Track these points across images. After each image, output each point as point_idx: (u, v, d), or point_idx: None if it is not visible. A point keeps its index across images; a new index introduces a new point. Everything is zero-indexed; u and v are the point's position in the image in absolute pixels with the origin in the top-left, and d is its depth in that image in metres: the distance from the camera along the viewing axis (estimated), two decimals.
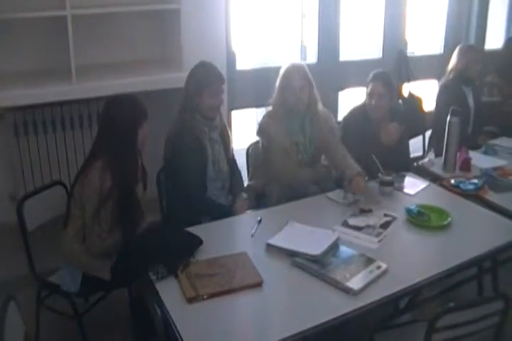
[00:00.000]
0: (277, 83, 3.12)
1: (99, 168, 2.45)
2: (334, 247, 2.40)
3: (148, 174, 3.04)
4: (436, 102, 4.14)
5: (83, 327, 2.66)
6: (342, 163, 3.08)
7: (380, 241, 2.51)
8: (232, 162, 3.18)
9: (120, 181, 2.46)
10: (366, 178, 3.00)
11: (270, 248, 2.44)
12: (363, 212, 2.77)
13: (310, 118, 3.15)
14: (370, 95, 3.37)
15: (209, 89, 2.85)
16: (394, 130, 3.34)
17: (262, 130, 3.16)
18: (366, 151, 3.12)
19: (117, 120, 2.53)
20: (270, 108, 3.20)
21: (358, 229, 2.61)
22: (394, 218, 2.71)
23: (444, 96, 4.04)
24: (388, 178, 2.97)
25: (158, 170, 3.06)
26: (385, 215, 2.74)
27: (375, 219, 2.69)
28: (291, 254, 2.35)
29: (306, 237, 2.47)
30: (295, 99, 3.05)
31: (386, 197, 2.95)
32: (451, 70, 4.11)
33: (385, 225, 2.65)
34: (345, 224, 2.65)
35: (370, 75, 3.40)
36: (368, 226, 2.62)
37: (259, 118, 3.25)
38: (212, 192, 3.00)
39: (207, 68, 2.92)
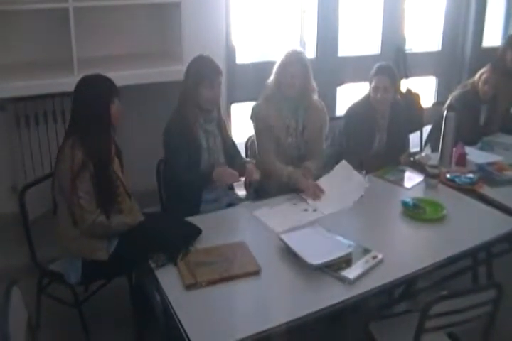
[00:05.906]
0: (276, 65, 3.15)
1: (69, 146, 2.47)
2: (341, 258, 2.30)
3: (149, 165, 3.10)
4: (450, 103, 3.86)
5: (83, 315, 2.70)
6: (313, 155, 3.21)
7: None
8: (231, 145, 3.19)
9: (93, 156, 2.46)
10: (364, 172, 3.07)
11: (271, 239, 2.47)
12: None
13: (304, 106, 3.18)
14: (375, 89, 3.32)
15: (206, 81, 2.89)
16: None
17: (254, 113, 3.18)
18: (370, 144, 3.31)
19: (90, 98, 2.54)
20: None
21: None
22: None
23: (459, 104, 3.78)
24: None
25: (158, 161, 3.09)
26: None
27: None
28: (293, 254, 2.34)
29: (318, 243, 2.40)
30: (287, 83, 3.08)
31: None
32: (469, 84, 3.97)
33: None
34: None
35: (374, 68, 3.36)
36: None
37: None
38: (208, 187, 2.99)
39: (204, 61, 2.96)
